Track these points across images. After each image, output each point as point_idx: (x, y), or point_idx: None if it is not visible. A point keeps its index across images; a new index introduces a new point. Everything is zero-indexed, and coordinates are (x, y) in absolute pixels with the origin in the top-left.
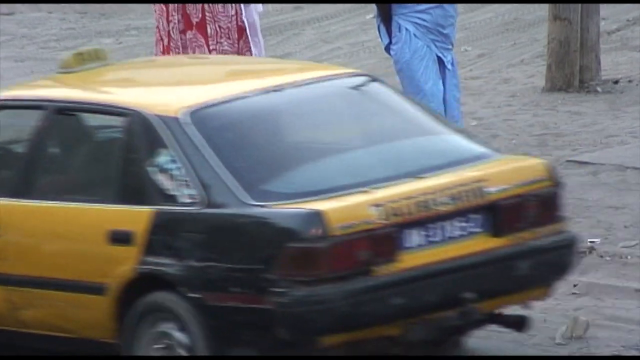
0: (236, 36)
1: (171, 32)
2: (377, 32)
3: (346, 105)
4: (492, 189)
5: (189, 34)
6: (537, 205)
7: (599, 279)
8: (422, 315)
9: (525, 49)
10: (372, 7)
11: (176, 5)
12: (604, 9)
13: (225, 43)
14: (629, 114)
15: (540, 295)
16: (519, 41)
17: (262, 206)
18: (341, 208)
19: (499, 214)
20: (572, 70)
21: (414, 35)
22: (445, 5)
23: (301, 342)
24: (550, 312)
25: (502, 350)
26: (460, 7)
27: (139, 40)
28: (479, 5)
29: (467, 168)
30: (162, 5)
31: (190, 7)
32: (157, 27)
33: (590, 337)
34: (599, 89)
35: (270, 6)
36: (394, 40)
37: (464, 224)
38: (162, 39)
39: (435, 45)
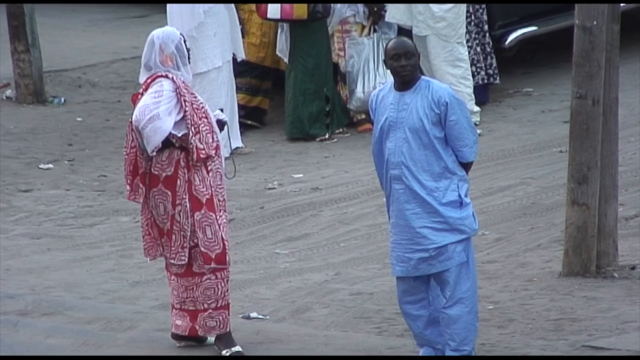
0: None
1: (177, 215)
2: None
3: None
4: None
5: (198, 215)
6: None
7: None
8: None
9: (543, 234)
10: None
11: (185, 187)
12: (623, 194)
13: (224, 215)
14: None
15: None
16: (536, 226)
17: None
18: None
19: None
20: (589, 256)
21: None
22: None
23: None
24: None
25: None
26: (478, 191)
27: None
28: (497, 189)
29: None
30: (166, 189)
31: (199, 186)
32: (148, 209)
33: None
34: (615, 274)
35: (288, 187)
36: (462, 212)
37: None
38: (153, 226)
39: None
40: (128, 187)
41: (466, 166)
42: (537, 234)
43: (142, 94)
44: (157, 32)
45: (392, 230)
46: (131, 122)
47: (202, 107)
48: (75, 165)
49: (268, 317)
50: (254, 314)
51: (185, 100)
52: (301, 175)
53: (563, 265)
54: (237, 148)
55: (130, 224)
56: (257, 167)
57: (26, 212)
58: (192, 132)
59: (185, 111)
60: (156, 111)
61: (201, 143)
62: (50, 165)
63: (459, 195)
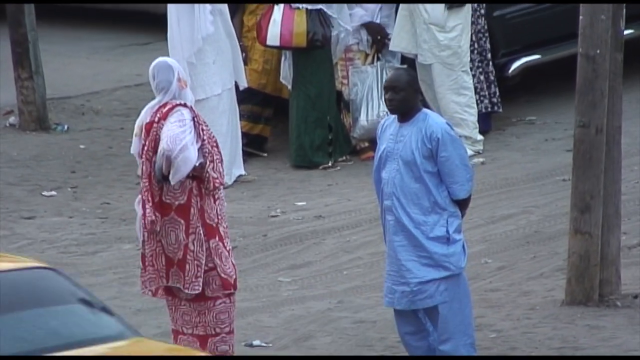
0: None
1: (190, 244)
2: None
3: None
4: None
5: (213, 242)
6: None
7: None
8: None
9: (546, 262)
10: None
11: (198, 215)
12: (625, 223)
13: (228, 241)
14: None
15: None
16: (539, 254)
17: None
18: None
19: None
20: (591, 284)
21: None
22: None
23: None
24: None
25: None
26: (481, 219)
27: None
28: (500, 217)
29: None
30: (178, 218)
31: (210, 212)
32: (155, 240)
33: None
34: (618, 303)
35: (291, 215)
36: (449, 248)
37: None
38: (159, 257)
39: None
40: (152, 217)
41: (461, 203)
42: (539, 263)
43: (156, 122)
44: (167, 59)
45: (386, 261)
46: (146, 150)
47: (213, 136)
48: (78, 193)
49: (271, 345)
50: (256, 342)
51: (202, 129)
52: (304, 203)
53: (566, 294)
54: (240, 176)
55: (133, 252)
56: (260, 195)
57: (29, 239)
58: (208, 160)
59: (202, 140)
60: (184, 141)
61: (215, 172)
62: (54, 193)
63: (447, 232)
